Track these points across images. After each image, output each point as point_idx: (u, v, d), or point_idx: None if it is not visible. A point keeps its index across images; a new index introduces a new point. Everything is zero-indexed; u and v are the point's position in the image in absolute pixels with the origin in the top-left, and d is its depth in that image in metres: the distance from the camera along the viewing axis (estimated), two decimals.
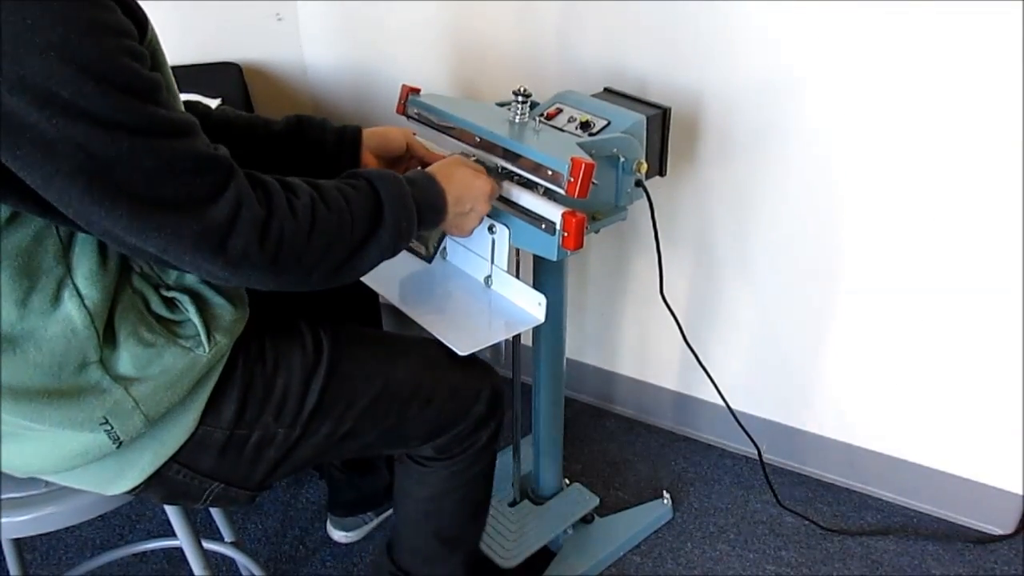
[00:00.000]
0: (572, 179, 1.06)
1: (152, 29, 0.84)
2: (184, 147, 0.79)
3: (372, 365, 1.11)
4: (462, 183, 1.09)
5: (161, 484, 1.01)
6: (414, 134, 1.27)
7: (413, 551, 1.34)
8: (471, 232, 1.15)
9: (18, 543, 1.19)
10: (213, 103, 1.65)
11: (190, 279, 0.96)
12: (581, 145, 1.13)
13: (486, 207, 1.12)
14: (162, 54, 0.87)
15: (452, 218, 1.08)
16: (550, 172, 1.09)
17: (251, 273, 0.86)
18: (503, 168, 1.17)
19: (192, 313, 0.94)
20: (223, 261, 0.83)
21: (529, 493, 1.67)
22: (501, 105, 1.28)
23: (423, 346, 1.18)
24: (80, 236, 0.86)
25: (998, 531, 1.71)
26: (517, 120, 1.20)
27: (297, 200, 0.89)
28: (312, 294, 1.22)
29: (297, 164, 1.15)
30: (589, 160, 1.05)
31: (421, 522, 1.32)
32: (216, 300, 0.97)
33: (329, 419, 1.07)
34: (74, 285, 0.86)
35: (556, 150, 1.10)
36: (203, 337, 0.94)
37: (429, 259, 1.28)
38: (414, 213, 1.00)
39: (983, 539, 1.70)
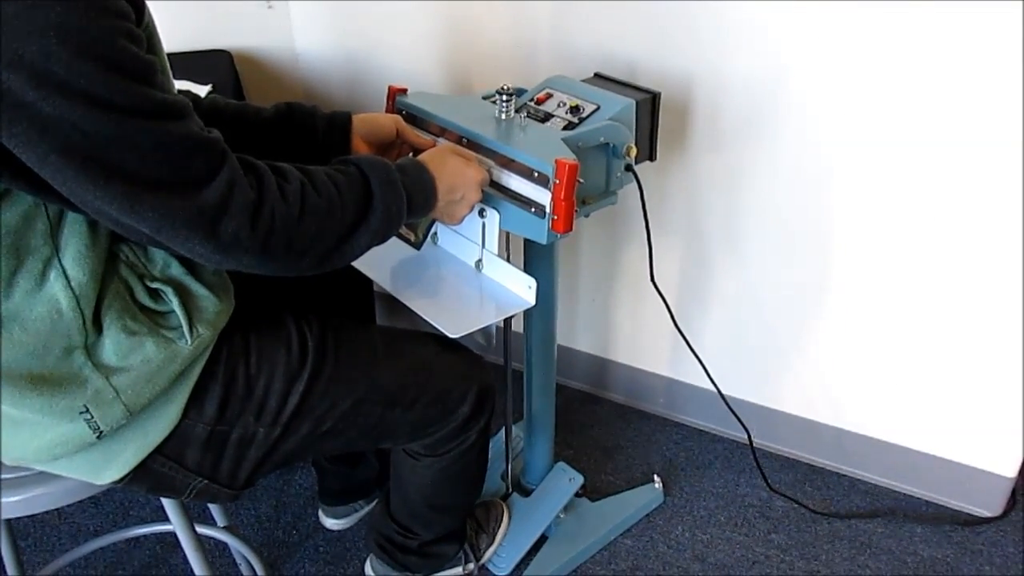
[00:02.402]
0: (557, 181, 1.07)
1: (149, 12, 0.85)
2: (178, 129, 0.80)
3: (356, 368, 1.11)
4: (453, 171, 1.09)
5: (147, 476, 1.01)
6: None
7: (409, 515, 1.38)
8: (462, 220, 1.15)
9: (11, 528, 1.19)
10: (203, 90, 1.65)
11: (175, 270, 0.96)
12: (568, 140, 1.14)
13: (477, 195, 1.13)
14: (157, 38, 0.88)
15: (443, 206, 1.09)
16: (536, 174, 1.10)
17: (242, 257, 0.86)
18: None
19: (176, 305, 0.94)
20: (214, 244, 0.84)
21: (519, 483, 1.67)
22: (487, 98, 1.29)
23: (410, 346, 1.19)
24: (69, 217, 0.86)
25: (986, 513, 1.72)
26: (503, 117, 1.21)
27: (287, 185, 0.89)
28: (304, 284, 1.23)
29: (287, 151, 1.15)
30: (573, 161, 1.06)
31: (416, 499, 1.34)
32: (200, 292, 0.97)
33: (310, 420, 1.07)
34: (61, 265, 0.86)
35: (542, 149, 1.11)
36: (185, 329, 0.95)
37: (418, 246, 1.28)
38: (404, 199, 1.00)
39: (971, 521, 1.72)
